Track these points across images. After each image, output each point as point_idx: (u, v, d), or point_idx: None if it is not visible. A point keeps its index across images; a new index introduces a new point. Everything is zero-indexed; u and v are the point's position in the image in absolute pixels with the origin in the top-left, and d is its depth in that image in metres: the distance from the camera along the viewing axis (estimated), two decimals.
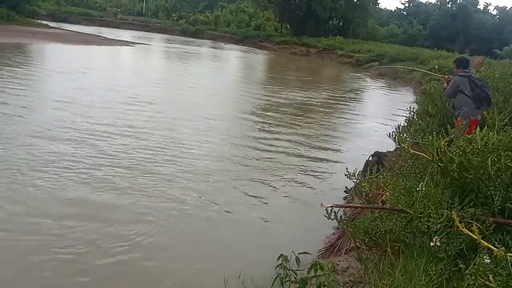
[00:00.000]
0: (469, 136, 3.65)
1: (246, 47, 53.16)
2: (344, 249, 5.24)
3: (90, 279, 4.68)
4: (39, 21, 47.06)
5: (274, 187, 7.90)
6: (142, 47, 37.69)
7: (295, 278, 3.22)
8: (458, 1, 67.07)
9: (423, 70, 13.21)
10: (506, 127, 3.84)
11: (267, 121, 13.26)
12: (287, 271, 3.23)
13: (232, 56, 41.45)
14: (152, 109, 13.01)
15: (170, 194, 6.98)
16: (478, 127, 3.90)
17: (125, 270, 4.94)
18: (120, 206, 6.38)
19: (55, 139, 8.95)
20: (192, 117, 12.63)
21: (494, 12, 71.44)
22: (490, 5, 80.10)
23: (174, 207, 6.58)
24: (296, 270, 3.28)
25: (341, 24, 58.09)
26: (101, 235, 5.50)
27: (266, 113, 14.51)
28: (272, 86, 21.67)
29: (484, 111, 5.21)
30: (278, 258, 3.32)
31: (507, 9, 68.83)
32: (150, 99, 14.45)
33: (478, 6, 70.13)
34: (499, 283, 2.00)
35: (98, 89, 15.05)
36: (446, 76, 7.60)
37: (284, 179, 8.34)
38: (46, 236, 5.35)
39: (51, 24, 46.24)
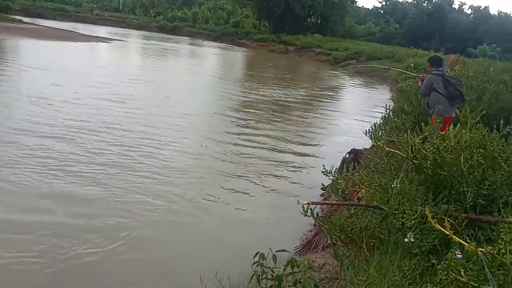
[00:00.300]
0: (443, 133, 3.72)
1: (224, 44, 52.95)
2: (321, 245, 5.28)
3: (65, 273, 4.61)
4: (13, 16, 45.91)
5: (251, 184, 7.89)
6: (119, 43, 37.18)
7: (271, 275, 3.22)
8: (434, 0, 68.13)
9: (398, 69, 13.30)
10: (478, 124, 3.91)
11: (246, 118, 13.25)
12: (264, 268, 3.24)
13: (211, 53, 41.21)
14: (129, 105, 12.84)
15: (147, 190, 6.92)
16: (452, 125, 3.96)
17: (100, 265, 4.88)
18: (97, 202, 6.31)
19: (29, 135, 8.78)
20: (170, 113, 12.54)
21: (469, 12, 72.82)
22: (464, 4, 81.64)
23: (150, 203, 6.52)
24: (273, 267, 3.29)
25: (319, 22, 58.28)
26: (77, 230, 5.43)
27: (244, 110, 14.49)
28: (250, 83, 21.65)
29: (458, 109, 5.31)
30: (255, 256, 3.32)
31: (481, 8, 70.24)
32: (127, 96, 14.25)
33: (453, 6, 71.44)
34: (470, 277, 2.04)
35: (74, 86, 14.76)
36: (421, 75, 7.71)
37: (262, 176, 8.34)
38: (21, 231, 5.26)
39: (25, 19, 45.12)
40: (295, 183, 8.27)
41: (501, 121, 3.98)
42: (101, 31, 47.47)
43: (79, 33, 39.23)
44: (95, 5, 72.01)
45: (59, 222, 5.65)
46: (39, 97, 12.18)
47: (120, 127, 10.22)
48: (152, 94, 15.85)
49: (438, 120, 5.21)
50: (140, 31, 58.85)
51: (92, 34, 39.85)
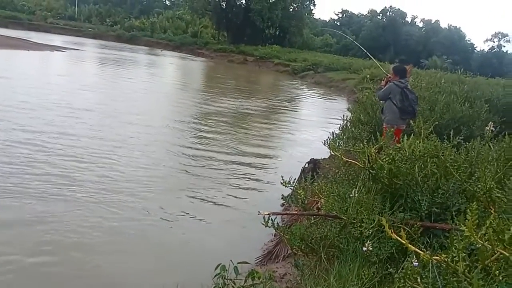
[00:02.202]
0: (395, 145, 3.82)
1: (183, 54, 52.78)
2: (282, 255, 5.30)
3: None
4: None
5: (211, 196, 7.85)
6: (74, 52, 36.31)
7: (233, 287, 3.21)
8: (388, 14, 70.43)
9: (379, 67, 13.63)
10: (431, 135, 4.05)
11: (204, 129, 13.20)
12: (225, 280, 3.22)
13: (169, 63, 40.93)
14: (83, 115, 12.53)
15: (103, 204, 6.76)
16: (403, 135, 4.08)
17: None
18: (54, 215, 6.11)
19: None
20: (126, 124, 12.33)
21: (421, 25, 75.63)
22: (416, 17, 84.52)
23: (107, 216, 6.38)
24: (234, 279, 3.27)
25: (277, 33, 59.14)
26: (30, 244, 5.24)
27: (203, 121, 14.43)
28: (210, 94, 21.63)
29: (411, 121, 5.44)
30: (216, 268, 3.30)
31: (432, 22, 73.09)
32: (82, 106, 13.90)
33: (406, 19, 74.00)
34: (425, 285, 2.09)
35: (23, 95, 14.23)
36: (388, 76, 7.70)
37: (222, 188, 8.32)
38: None
39: None
40: (255, 194, 8.30)
41: (451, 132, 4.14)
42: (56, 39, 46.37)
43: (32, 42, 38.16)
44: (49, 13, 70.09)
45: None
46: None
47: (74, 138, 9.98)
48: (109, 104, 15.51)
49: (392, 130, 5.34)
50: (97, 40, 57.84)
51: (46, 43, 38.81)
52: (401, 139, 3.79)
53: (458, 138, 4.03)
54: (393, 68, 7.56)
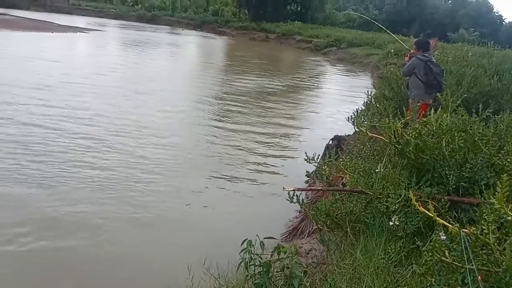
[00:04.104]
0: (421, 119, 3.77)
1: (204, 33, 52.55)
2: (307, 231, 5.33)
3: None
4: None
5: (237, 173, 7.92)
6: (97, 33, 36.57)
7: (259, 261, 3.25)
8: None
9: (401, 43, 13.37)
10: (459, 108, 3.98)
11: (226, 108, 13.23)
12: (252, 255, 3.26)
13: (191, 42, 40.87)
14: (110, 95, 12.71)
15: (133, 183, 6.89)
16: (431, 110, 4.01)
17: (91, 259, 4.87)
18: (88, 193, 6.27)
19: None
20: (151, 105, 12.44)
21: None
22: None
23: (137, 196, 6.50)
24: (261, 254, 3.31)
25: (299, 9, 58.16)
26: (56, 221, 5.40)
27: (224, 100, 14.43)
28: (231, 73, 21.58)
29: (438, 94, 5.36)
30: (242, 243, 3.34)
31: None
32: (107, 86, 14.11)
33: None
34: (454, 258, 2.09)
35: (52, 76, 14.53)
36: (411, 51, 7.57)
37: (245, 164, 8.37)
38: None
39: None
40: (280, 171, 8.32)
41: (480, 105, 4.06)
42: (78, 21, 46.68)
43: (56, 24, 38.47)
44: None
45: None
46: (14, 85, 11.98)
47: (99, 119, 10.15)
48: (133, 85, 15.60)
49: (419, 104, 5.26)
50: (118, 20, 57.95)
51: (68, 25, 39.12)
52: (428, 113, 3.74)
53: (487, 112, 3.95)
54: (415, 42, 7.42)
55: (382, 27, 10.40)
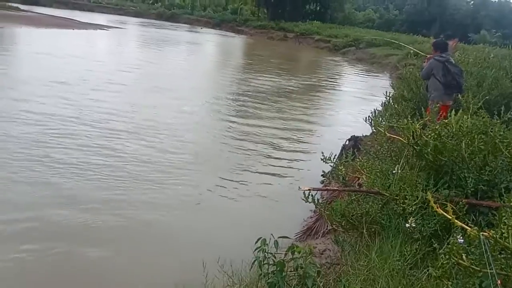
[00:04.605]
0: (441, 120, 3.71)
1: (223, 32, 52.68)
2: (321, 231, 5.30)
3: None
4: (9, 3, 45.49)
5: (252, 172, 7.91)
6: (117, 31, 36.95)
7: (273, 261, 3.24)
8: None
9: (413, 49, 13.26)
10: (480, 110, 3.91)
11: (243, 107, 13.22)
12: (266, 254, 3.25)
13: (209, 41, 41.00)
14: (130, 92, 12.84)
15: (149, 181, 6.93)
16: (452, 111, 3.95)
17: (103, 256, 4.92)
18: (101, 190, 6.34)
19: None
20: (169, 102, 12.51)
21: None
22: None
23: (153, 194, 6.54)
24: (275, 253, 3.30)
25: (318, 8, 57.96)
26: (72, 219, 5.47)
27: (242, 99, 14.43)
28: (248, 72, 21.57)
29: (459, 96, 5.27)
30: (257, 242, 3.33)
31: None
32: (128, 83, 14.26)
33: None
34: (471, 261, 2.05)
35: (74, 72, 14.73)
36: (429, 56, 7.54)
37: (263, 164, 8.36)
38: None
39: (22, 7, 44.81)
40: (295, 170, 8.29)
41: (502, 107, 3.99)
42: (99, 18, 47.15)
43: (77, 21, 38.95)
44: None
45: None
46: (43, 83, 12.18)
47: (119, 117, 10.25)
48: (152, 83, 15.71)
49: (438, 105, 5.18)
50: (138, 18, 58.45)
51: (89, 22, 39.58)
52: (448, 115, 3.68)
53: (508, 114, 3.87)
54: (433, 44, 7.37)
55: (397, 42, 10.24)
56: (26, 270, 4.51)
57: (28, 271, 4.51)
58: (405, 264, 2.90)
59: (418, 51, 9.57)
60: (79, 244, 5.06)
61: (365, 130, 7.97)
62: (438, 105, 5.31)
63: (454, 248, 2.07)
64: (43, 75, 13.61)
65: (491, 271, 1.87)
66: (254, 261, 3.26)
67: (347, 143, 8.14)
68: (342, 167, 4.19)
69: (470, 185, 3.22)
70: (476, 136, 3.40)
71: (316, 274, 3.09)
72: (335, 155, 4.51)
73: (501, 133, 3.39)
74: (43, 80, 12.89)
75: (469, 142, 3.39)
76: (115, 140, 8.48)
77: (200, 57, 27.69)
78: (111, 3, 67.60)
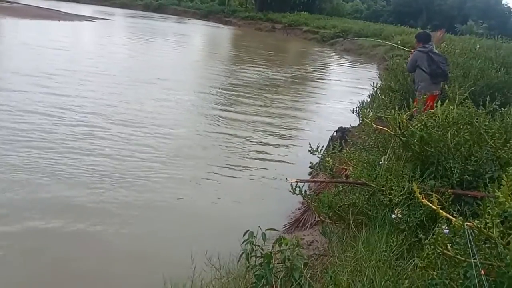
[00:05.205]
0: (426, 111, 3.73)
1: (211, 23, 52.33)
2: (309, 223, 5.32)
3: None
4: None
5: (240, 165, 7.89)
6: (104, 22, 36.49)
7: (261, 253, 3.24)
8: None
9: (391, 43, 13.33)
10: (466, 101, 3.93)
11: (231, 99, 13.17)
12: (253, 246, 3.25)
13: (197, 32, 40.74)
14: (115, 84, 12.70)
15: (133, 174, 6.87)
16: (438, 101, 3.97)
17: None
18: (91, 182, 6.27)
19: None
20: (156, 94, 12.41)
21: None
22: None
23: (138, 188, 6.49)
24: (262, 245, 3.30)
25: None
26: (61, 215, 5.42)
27: (229, 91, 14.35)
28: (238, 63, 21.48)
29: (445, 86, 5.31)
30: (244, 234, 3.33)
31: None
32: (113, 74, 14.11)
33: None
34: (456, 251, 2.06)
35: (60, 63, 14.55)
36: (413, 50, 7.64)
37: (248, 156, 8.35)
38: None
39: None
40: (283, 162, 8.29)
41: (487, 98, 4.01)
42: (84, 9, 46.58)
43: (62, 12, 38.42)
44: None
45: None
46: (29, 74, 12.00)
47: (105, 107, 10.13)
48: (139, 74, 15.57)
49: (425, 96, 5.21)
50: (124, 9, 57.74)
51: (75, 13, 39.06)
52: (435, 105, 3.69)
53: (493, 105, 3.90)
54: (416, 36, 7.53)
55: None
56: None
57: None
58: (392, 254, 2.92)
59: (398, 46, 9.57)
60: (60, 242, 5.00)
61: (353, 121, 7.99)
62: (426, 96, 5.36)
63: (439, 238, 2.08)
64: (28, 67, 13.41)
65: (475, 261, 1.88)
66: (242, 253, 3.26)
67: (334, 134, 8.15)
68: (329, 158, 4.19)
69: (455, 175, 3.24)
70: (461, 127, 3.42)
71: (303, 266, 3.10)
72: (323, 146, 4.51)
73: (486, 123, 3.41)
74: (28, 71, 12.70)
75: (455, 132, 3.40)
76: (99, 133, 8.38)
77: (187, 49, 27.48)
78: None
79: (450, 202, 3.01)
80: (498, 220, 1.95)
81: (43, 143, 7.54)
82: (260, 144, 9.13)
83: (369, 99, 7.66)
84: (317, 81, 19.18)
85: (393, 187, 3.23)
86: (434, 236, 2.12)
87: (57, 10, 39.34)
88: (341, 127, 8.32)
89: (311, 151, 4.20)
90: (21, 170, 6.43)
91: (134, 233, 5.35)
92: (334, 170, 4.27)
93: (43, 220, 5.28)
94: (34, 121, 8.56)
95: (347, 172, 4.54)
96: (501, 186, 1.90)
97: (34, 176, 6.30)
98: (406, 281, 2.46)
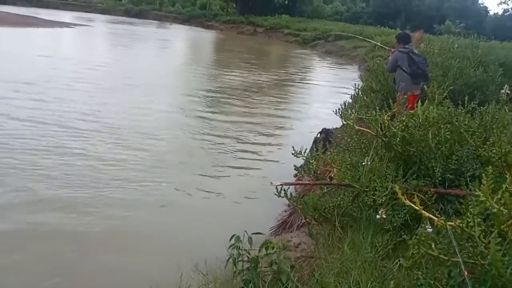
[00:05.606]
0: (408, 112, 3.77)
1: (192, 27, 52.29)
2: (296, 225, 5.32)
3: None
4: None
5: (224, 169, 7.86)
6: (84, 28, 36.16)
7: (248, 257, 3.24)
8: None
9: (374, 42, 13.46)
10: (445, 100, 3.98)
11: (217, 103, 13.16)
12: (240, 251, 3.25)
13: (179, 37, 40.63)
14: (97, 90, 12.57)
15: (118, 180, 6.80)
16: (418, 102, 4.02)
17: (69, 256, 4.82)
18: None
19: None
20: (139, 99, 12.33)
21: None
22: None
23: (123, 194, 6.42)
24: (249, 249, 3.30)
25: (286, 2, 58.08)
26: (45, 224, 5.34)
27: (212, 95, 14.31)
28: (220, 67, 21.48)
29: (425, 86, 5.37)
30: (231, 239, 3.33)
31: None
32: (94, 82, 13.95)
33: None
34: (440, 251, 2.09)
35: (37, 70, 14.34)
36: (393, 50, 7.72)
37: (233, 160, 8.33)
38: None
39: None
40: (268, 165, 8.29)
41: (466, 97, 4.07)
42: (64, 16, 46.17)
43: (42, 19, 37.98)
44: None
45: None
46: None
47: (88, 115, 10.02)
48: (120, 80, 15.45)
49: (405, 96, 5.27)
50: (105, 15, 57.41)
51: (55, 20, 38.65)
52: (415, 105, 3.74)
53: (473, 104, 3.96)
54: (396, 37, 7.63)
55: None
56: None
57: None
58: (377, 255, 2.94)
59: (380, 45, 9.66)
60: (45, 246, 4.93)
61: (336, 122, 8.03)
62: (406, 96, 5.42)
63: (423, 238, 2.10)
64: (7, 75, 13.20)
65: (458, 260, 1.90)
66: (229, 258, 3.26)
67: (318, 136, 8.18)
68: (313, 160, 4.21)
69: (437, 174, 3.28)
70: (442, 126, 3.46)
71: (290, 269, 3.10)
72: (306, 148, 4.52)
73: (466, 122, 3.47)
74: (8, 79, 12.50)
75: (436, 132, 3.45)
76: (82, 140, 8.28)
77: (170, 54, 27.37)
78: (77, 0, 66.02)
79: (433, 201, 3.05)
80: (480, 219, 1.98)
81: (23, 150, 7.42)
82: (244, 148, 9.11)
83: (351, 100, 7.72)
84: (300, 83, 19.26)
85: (376, 188, 3.25)
86: (418, 236, 2.14)
87: (37, 17, 38.89)
88: (325, 128, 8.36)
89: (295, 154, 4.21)
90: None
91: (118, 241, 5.29)
92: (318, 172, 4.29)
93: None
94: (15, 127, 8.44)
95: (331, 173, 4.57)
96: (482, 184, 1.92)
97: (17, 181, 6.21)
98: (392, 282, 2.48)
